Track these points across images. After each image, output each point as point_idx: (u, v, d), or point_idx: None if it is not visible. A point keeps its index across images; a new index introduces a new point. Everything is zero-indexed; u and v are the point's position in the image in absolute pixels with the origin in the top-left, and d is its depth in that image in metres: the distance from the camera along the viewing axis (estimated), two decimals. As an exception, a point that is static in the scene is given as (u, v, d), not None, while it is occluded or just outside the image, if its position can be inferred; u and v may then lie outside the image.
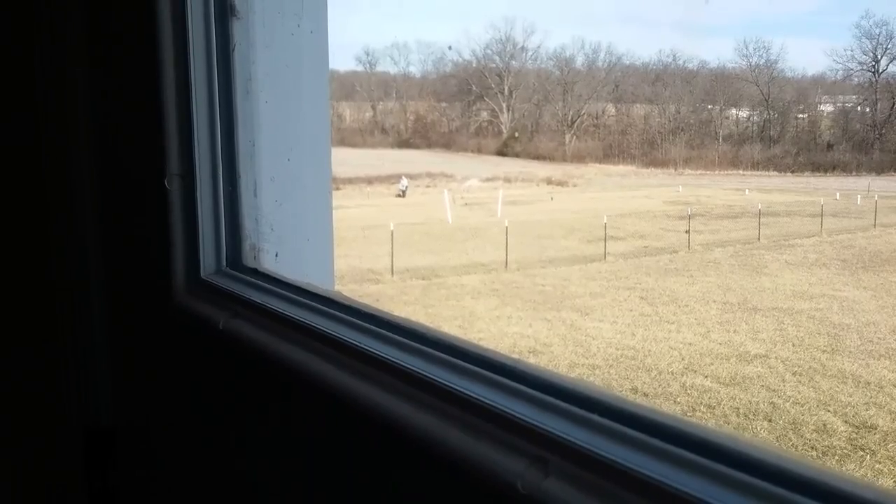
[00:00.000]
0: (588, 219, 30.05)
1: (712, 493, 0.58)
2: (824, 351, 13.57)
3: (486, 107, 76.26)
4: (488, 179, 51.22)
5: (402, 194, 43.70)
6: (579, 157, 67.99)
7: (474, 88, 75.53)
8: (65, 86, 1.63)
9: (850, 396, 11.29)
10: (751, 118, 69.15)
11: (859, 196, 35.89)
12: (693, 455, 0.62)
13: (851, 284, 18.84)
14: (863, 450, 9.53)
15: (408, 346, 0.92)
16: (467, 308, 17.20)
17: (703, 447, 0.62)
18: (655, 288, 18.95)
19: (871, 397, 11.26)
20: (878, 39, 62.67)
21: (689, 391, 11.74)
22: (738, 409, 10.99)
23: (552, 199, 41.83)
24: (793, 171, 59.43)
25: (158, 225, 1.35)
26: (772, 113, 67.66)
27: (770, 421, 10.53)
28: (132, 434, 1.68)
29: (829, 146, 63.04)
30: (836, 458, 9.31)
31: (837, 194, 38.04)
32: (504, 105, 74.91)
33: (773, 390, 11.66)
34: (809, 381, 12.04)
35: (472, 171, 54.12)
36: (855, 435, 9.97)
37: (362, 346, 0.95)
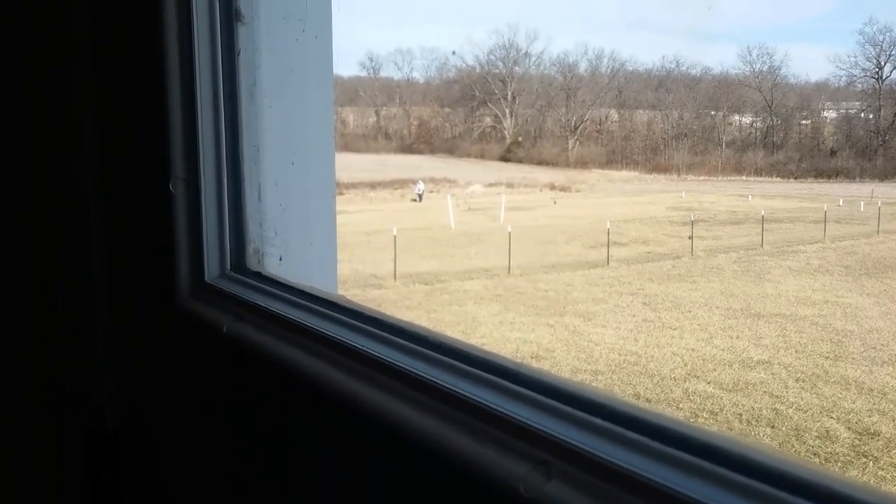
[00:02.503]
0: (591, 224, 30.04)
1: (715, 497, 0.58)
2: (827, 357, 13.55)
3: (490, 112, 76.39)
4: (491, 185, 51.27)
5: (419, 198, 43.39)
6: (582, 163, 68.05)
7: (477, 94, 75.67)
8: (69, 90, 1.64)
9: (854, 403, 11.27)
10: (754, 124, 69.19)
11: (862, 202, 35.86)
12: (696, 458, 0.62)
13: (855, 291, 18.81)
14: (866, 456, 9.50)
15: (411, 350, 0.92)
16: (470, 313, 17.20)
17: (705, 450, 0.62)
18: (658, 293, 18.94)
19: (874, 404, 11.23)
20: (881, 46, 62.76)
21: (691, 397, 11.73)
22: (740, 415, 10.97)
23: (555, 204, 41.85)
24: (796, 178, 59.42)
25: (162, 228, 1.35)
26: (775, 119, 67.69)
27: (773, 427, 10.51)
28: (135, 437, 1.69)
29: (833, 152, 63.03)
30: (840, 464, 9.29)
31: (841, 200, 38.02)
32: (507, 111, 75.03)
33: (776, 396, 11.64)
34: (812, 387, 12.01)
35: (476, 177, 54.18)
36: (858, 441, 9.95)
37: (365, 349, 0.96)
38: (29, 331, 1.81)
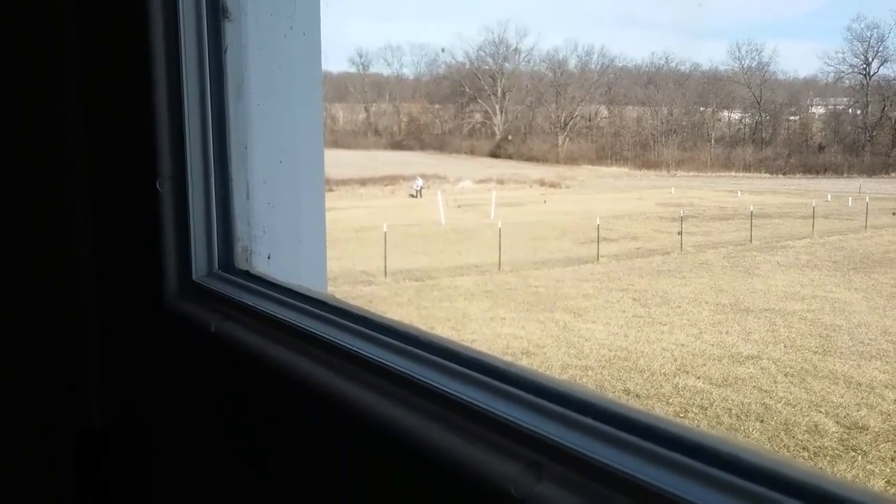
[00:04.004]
0: (581, 220, 30.11)
1: (705, 496, 0.58)
2: (816, 352, 13.62)
3: (480, 108, 76.40)
4: (481, 181, 51.26)
5: (418, 194, 43.25)
6: (572, 159, 68.15)
7: (467, 90, 75.66)
8: (57, 88, 1.62)
9: (842, 397, 11.34)
10: (743, 120, 69.47)
11: (850, 198, 36.07)
12: (686, 458, 0.62)
13: (843, 286, 18.92)
14: (854, 450, 9.57)
15: (400, 349, 0.92)
16: (460, 309, 17.20)
17: (695, 450, 0.62)
18: (648, 289, 18.99)
19: (862, 398, 11.31)
20: (869, 42, 63.12)
21: (681, 392, 11.77)
22: (730, 409, 11.02)
23: (545, 201, 41.87)
24: (784, 173, 59.73)
25: (150, 227, 1.34)
26: (764, 115, 67.99)
27: (762, 422, 10.56)
28: (124, 436, 1.68)
29: (821, 148, 63.37)
30: (828, 458, 9.35)
31: (829, 196, 38.22)
32: (497, 107, 75.05)
33: (765, 391, 11.70)
34: (801, 382, 12.08)
35: (466, 173, 54.17)
36: (846, 436, 10.01)
37: (354, 348, 0.95)
38: (18, 330, 1.80)
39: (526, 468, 0.69)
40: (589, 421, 0.69)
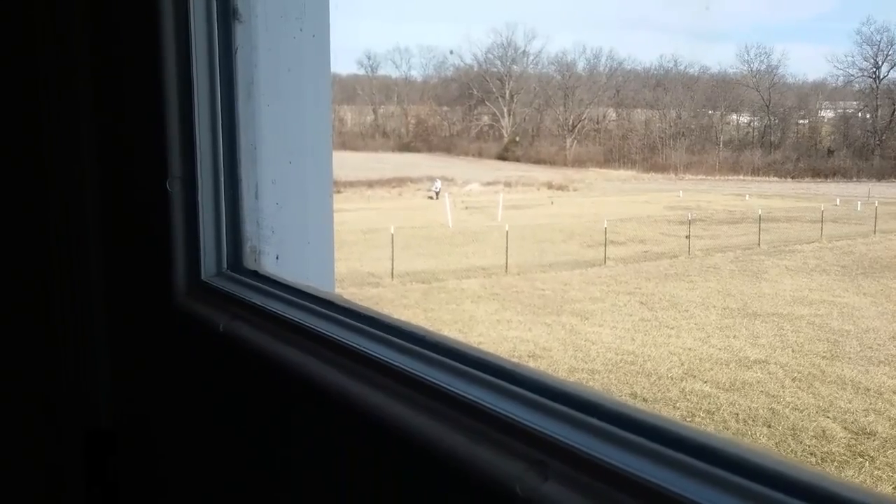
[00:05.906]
0: (588, 223, 30.05)
1: (711, 497, 0.58)
2: (824, 357, 13.57)
3: (488, 111, 76.38)
4: (489, 183, 51.23)
5: (436, 196, 43.41)
6: (580, 162, 68.07)
7: (475, 93, 75.66)
8: (67, 89, 1.63)
9: (850, 403, 11.30)
10: (751, 124, 69.26)
11: (859, 202, 35.91)
12: (692, 459, 0.62)
13: (851, 290, 18.84)
14: (862, 456, 9.52)
15: (407, 349, 0.92)
16: (467, 312, 17.20)
17: (701, 451, 0.62)
18: (655, 293, 18.96)
19: (870, 403, 11.26)
20: (878, 45, 62.86)
21: (688, 396, 11.74)
22: (737, 414, 10.99)
23: (552, 203, 41.81)
24: (793, 177, 59.51)
25: (159, 227, 1.35)
26: (772, 118, 67.76)
27: (769, 427, 10.52)
28: (132, 436, 1.68)
29: (830, 152, 63.13)
30: (836, 464, 9.31)
31: (838, 200, 38.07)
32: (505, 109, 75.02)
33: (773, 396, 11.67)
34: (809, 386, 12.04)
35: (473, 176, 54.16)
36: (854, 441, 9.96)
37: (362, 348, 0.96)
38: (26, 330, 1.81)
39: (531, 468, 0.70)
40: (594, 421, 0.69)
